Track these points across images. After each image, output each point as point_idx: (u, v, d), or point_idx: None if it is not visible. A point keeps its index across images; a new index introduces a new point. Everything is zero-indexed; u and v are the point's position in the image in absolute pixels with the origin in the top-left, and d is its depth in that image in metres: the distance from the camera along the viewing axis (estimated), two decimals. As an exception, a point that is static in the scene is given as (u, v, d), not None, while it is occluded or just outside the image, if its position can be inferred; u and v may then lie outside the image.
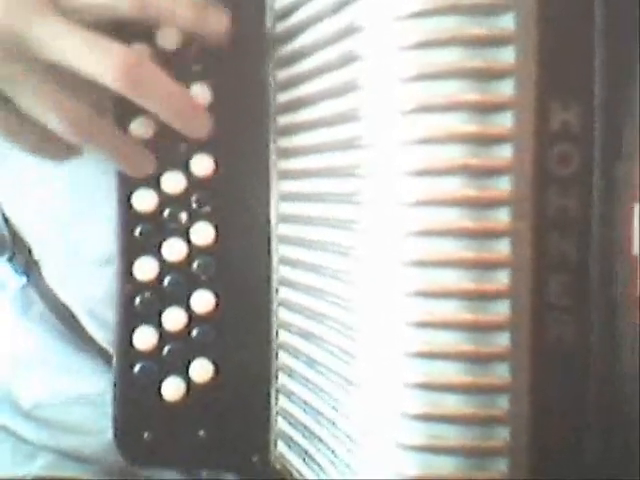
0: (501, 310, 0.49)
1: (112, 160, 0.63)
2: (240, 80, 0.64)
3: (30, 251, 0.76)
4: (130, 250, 0.65)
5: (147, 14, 0.58)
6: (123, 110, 0.62)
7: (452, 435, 0.50)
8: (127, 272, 0.64)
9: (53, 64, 0.57)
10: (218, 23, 0.60)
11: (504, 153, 0.48)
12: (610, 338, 0.49)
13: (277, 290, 0.65)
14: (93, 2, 0.58)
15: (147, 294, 0.65)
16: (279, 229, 0.65)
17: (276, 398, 0.66)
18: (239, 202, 0.65)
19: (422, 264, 0.50)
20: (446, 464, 0.50)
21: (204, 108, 0.62)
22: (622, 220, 0.49)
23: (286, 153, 0.63)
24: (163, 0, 0.59)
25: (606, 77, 0.49)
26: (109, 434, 0.66)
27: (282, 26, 0.62)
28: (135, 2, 0.58)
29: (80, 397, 0.76)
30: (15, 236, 0.76)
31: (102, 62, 0.56)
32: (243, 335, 0.66)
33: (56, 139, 0.59)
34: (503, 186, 0.48)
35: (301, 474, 0.63)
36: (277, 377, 0.66)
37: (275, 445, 0.66)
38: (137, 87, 0.57)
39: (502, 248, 0.49)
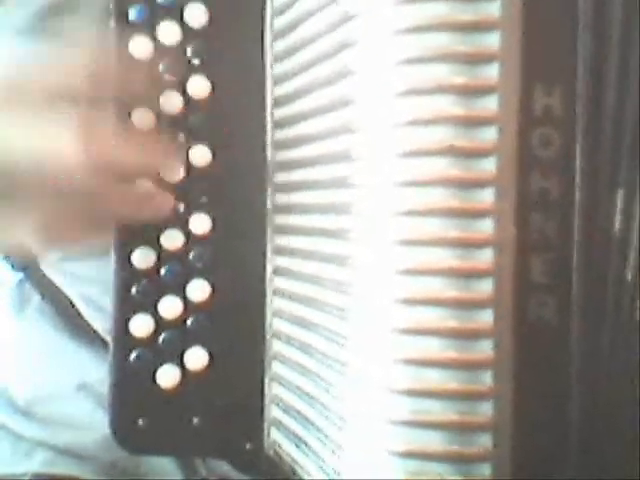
0: (484, 288, 0.50)
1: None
2: (238, 73, 0.65)
3: None
4: (128, 240, 0.66)
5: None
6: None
7: (437, 410, 0.51)
8: (125, 261, 0.65)
9: None
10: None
11: (489, 135, 0.50)
12: (590, 317, 0.51)
13: (271, 279, 0.66)
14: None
15: (144, 282, 0.65)
16: (275, 219, 0.66)
17: (269, 386, 0.67)
18: (235, 193, 0.66)
19: (409, 243, 0.51)
20: (432, 439, 0.51)
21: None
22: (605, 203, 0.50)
23: (283, 145, 0.65)
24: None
25: (588, 62, 0.50)
26: (106, 429, 0.67)
27: (281, 22, 0.64)
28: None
29: (80, 388, 0.77)
30: None
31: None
32: (237, 324, 0.66)
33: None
34: (488, 167, 0.50)
35: (292, 458, 0.64)
36: (271, 365, 0.67)
37: (269, 433, 0.67)
38: None
39: (486, 227, 0.50)
